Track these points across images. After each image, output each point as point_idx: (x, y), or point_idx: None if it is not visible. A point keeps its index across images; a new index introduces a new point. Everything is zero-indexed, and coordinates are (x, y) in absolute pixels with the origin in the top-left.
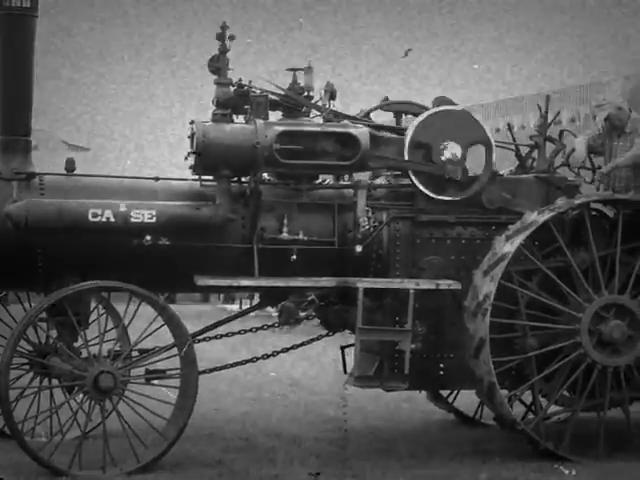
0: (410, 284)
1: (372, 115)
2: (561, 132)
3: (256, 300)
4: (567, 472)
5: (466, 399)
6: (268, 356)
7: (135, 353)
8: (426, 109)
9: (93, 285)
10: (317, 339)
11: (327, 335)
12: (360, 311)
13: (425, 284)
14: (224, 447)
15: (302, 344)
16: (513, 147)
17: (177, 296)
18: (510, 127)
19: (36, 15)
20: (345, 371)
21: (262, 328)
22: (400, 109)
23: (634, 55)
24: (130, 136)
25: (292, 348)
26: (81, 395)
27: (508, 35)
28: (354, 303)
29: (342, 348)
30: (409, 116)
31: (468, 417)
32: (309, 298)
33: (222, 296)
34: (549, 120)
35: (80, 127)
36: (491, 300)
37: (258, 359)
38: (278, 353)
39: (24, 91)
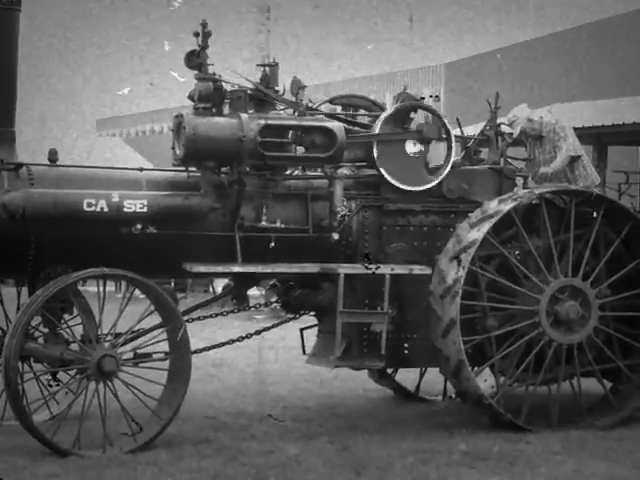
0: (386, 269)
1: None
2: (499, 125)
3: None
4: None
5: (400, 376)
6: (251, 335)
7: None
8: (374, 103)
9: (99, 272)
10: (283, 322)
11: (294, 318)
12: (341, 295)
13: (400, 269)
14: (200, 426)
15: (271, 327)
16: (468, 140)
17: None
18: (459, 120)
19: (20, 9)
20: (304, 352)
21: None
22: (349, 102)
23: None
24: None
25: (263, 330)
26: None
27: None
28: (316, 287)
29: (301, 330)
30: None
31: (410, 393)
32: (270, 283)
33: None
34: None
35: None
36: (461, 284)
37: (243, 338)
38: (253, 335)
39: (9, 83)
